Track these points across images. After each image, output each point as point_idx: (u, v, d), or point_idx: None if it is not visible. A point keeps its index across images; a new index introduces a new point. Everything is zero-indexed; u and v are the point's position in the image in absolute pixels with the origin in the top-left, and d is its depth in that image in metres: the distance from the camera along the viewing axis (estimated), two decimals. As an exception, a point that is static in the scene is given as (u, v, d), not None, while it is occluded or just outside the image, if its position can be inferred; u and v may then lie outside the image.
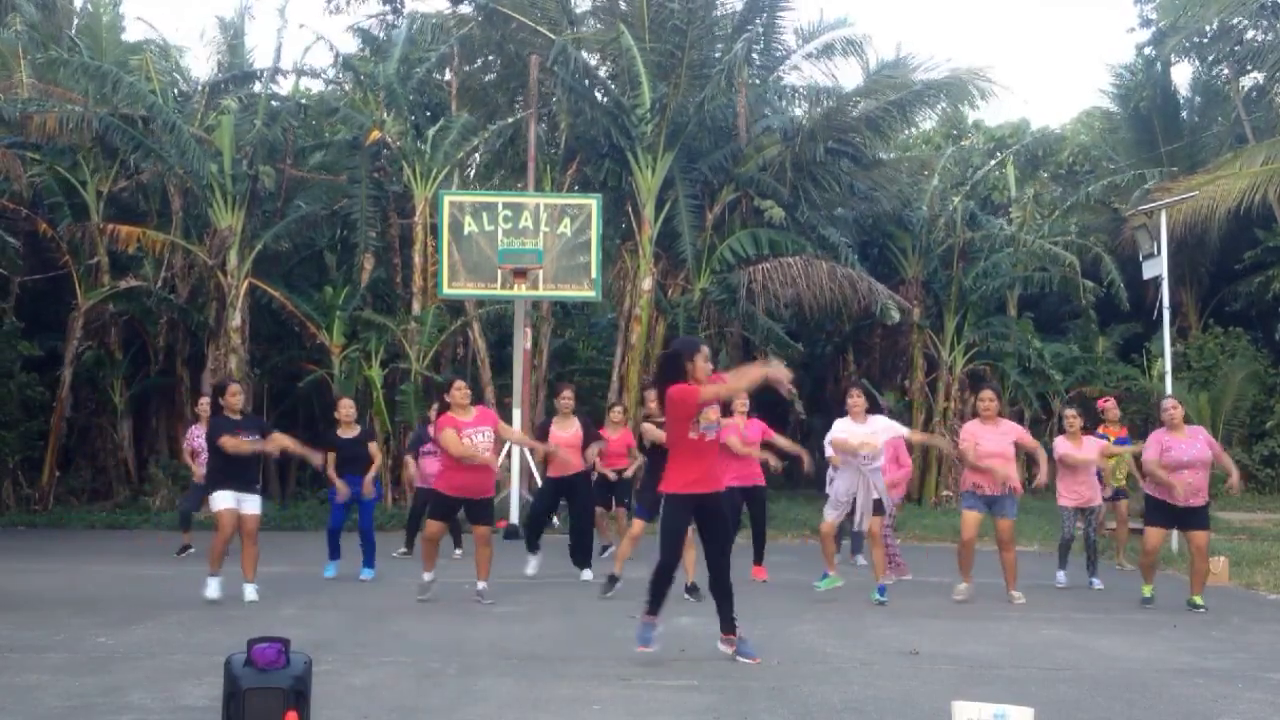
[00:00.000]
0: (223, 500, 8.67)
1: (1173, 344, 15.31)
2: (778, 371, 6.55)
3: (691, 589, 8.92)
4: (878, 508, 8.95)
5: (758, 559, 10.32)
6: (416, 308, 17.65)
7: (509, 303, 16.71)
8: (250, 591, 8.70)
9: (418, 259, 17.73)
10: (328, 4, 21.60)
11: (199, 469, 11.52)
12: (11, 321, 16.63)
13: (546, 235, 15.18)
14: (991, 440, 9.12)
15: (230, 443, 8.56)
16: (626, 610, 8.45)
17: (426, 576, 8.88)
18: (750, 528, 10.44)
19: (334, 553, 10.31)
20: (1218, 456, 8.92)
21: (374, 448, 10.37)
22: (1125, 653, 7.12)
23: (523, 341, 15.45)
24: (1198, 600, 9.00)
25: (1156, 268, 13.60)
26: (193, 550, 11.90)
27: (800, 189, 18.63)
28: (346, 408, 10.35)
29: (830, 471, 9.36)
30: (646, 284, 17.44)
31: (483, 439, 8.65)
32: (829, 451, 9.17)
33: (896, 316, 18.04)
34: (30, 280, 16.91)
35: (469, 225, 15.12)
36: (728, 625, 6.63)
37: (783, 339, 17.87)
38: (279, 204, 18.32)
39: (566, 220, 15.30)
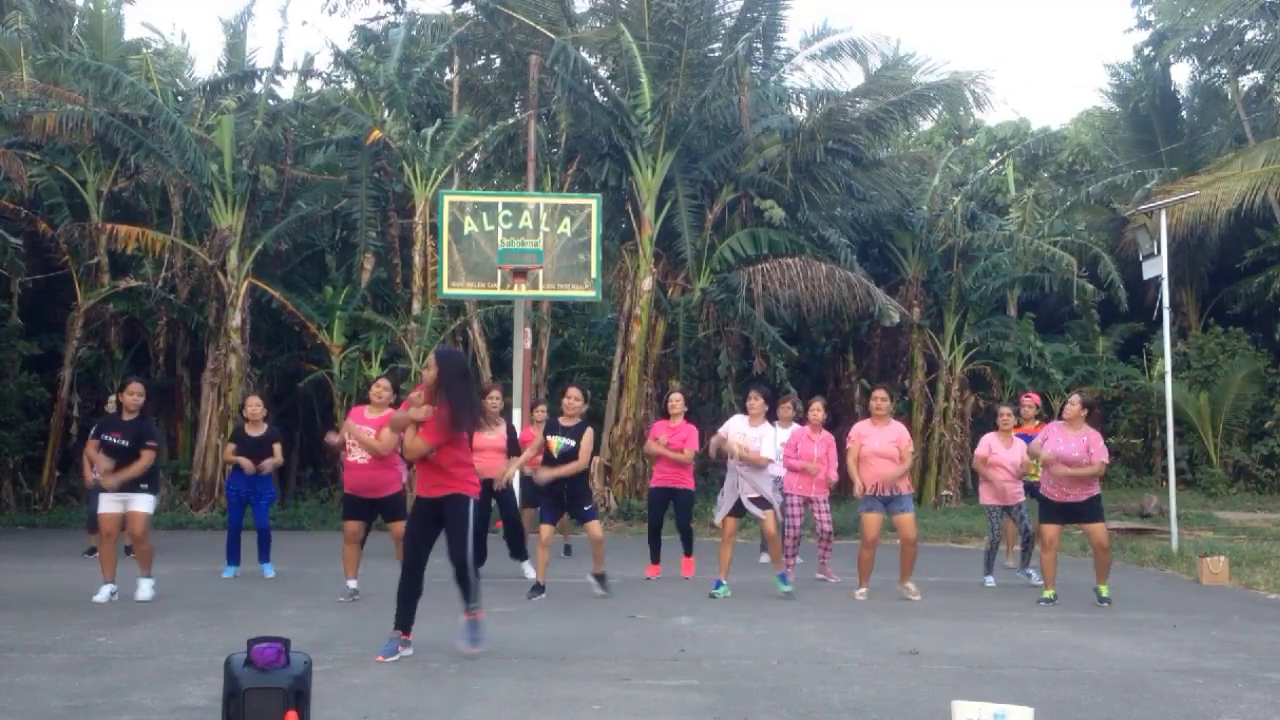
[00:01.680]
0: (105, 503, 8.63)
1: (1173, 344, 15.32)
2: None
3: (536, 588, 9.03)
4: (767, 505, 9.19)
5: (686, 551, 10.56)
6: (416, 308, 17.65)
7: (509, 302, 16.71)
8: (145, 588, 8.68)
9: (418, 259, 17.74)
10: (326, 3, 21.58)
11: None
12: (13, 321, 16.63)
13: (546, 235, 15.18)
14: (877, 440, 9.28)
15: (89, 452, 8.59)
16: (627, 611, 8.46)
17: (351, 584, 8.87)
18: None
19: (232, 556, 10.28)
20: (1090, 460, 8.86)
21: (278, 448, 10.34)
22: (1125, 653, 7.12)
23: (523, 341, 15.46)
24: (1103, 591, 9.09)
25: (1156, 268, 13.61)
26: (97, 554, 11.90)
27: (800, 189, 18.64)
28: (253, 405, 10.36)
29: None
30: (646, 284, 17.44)
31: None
32: (712, 449, 9.46)
33: (896, 318, 18.04)
34: (30, 280, 16.90)
35: (469, 225, 15.13)
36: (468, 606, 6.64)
37: (779, 342, 17.86)
38: (279, 204, 18.32)
39: (566, 220, 15.30)
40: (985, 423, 20.33)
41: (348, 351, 17.53)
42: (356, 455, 8.67)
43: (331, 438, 9.17)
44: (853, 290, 17.29)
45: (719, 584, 9.28)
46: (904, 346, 20.14)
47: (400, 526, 8.80)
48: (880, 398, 9.50)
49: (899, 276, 20.02)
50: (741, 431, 9.20)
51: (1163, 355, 14.60)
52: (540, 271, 14.94)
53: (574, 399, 9.07)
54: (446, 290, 15.43)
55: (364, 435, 8.45)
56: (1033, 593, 9.68)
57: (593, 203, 15.51)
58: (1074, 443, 8.89)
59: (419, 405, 6.46)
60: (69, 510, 16.77)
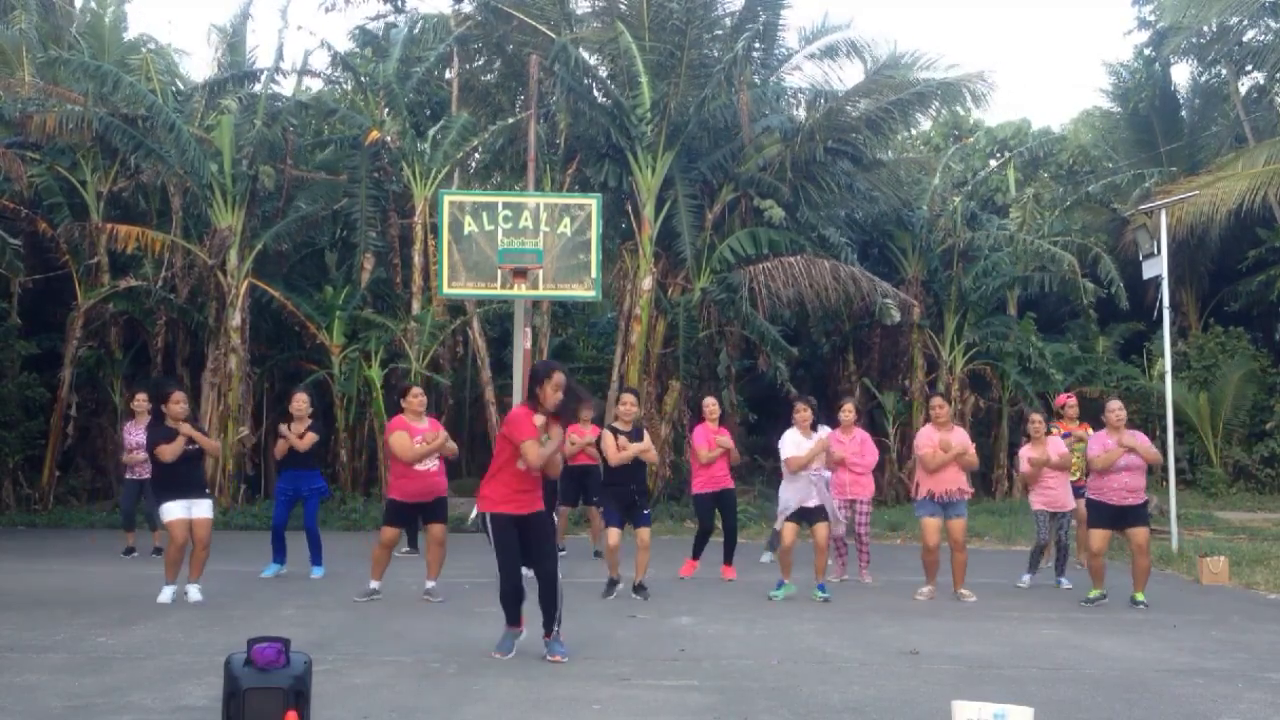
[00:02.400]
0: (173, 510, 8.67)
1: (1173, 344, 15.31)
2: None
3: (638, 588, 9.14)
4: (822, 514, 9.18)
5: (727, 558, 10.60)
6: (416, 308, 17.65)
7: (509, 302, 16.70)
8: (194, 592, 8.75)
9: (418, 259, 17.74)
10: (323, 1, 21.54)
11: (135, 459, 11.59)
12: (13, 321, 16.63)
13: (546, 235, 15.17)
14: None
15: (168, 450, 8.59)
16: (627, 611, 8.46)
17: (373, 584, 8.93)
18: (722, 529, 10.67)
19: (278, 554, 10.33)
20: (1143, 456, 9.04)
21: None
22: (1125, 653, 7.12)
23: (523, 341, 15.45)
24: (1139, 597, 9.14)
25: (1156, 267, 13.61)
26: (136, 553, 11.90)
27: (800, 189, 18.62)
28: (300, 402, 10.35)
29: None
30: (646, 284, 17.43)
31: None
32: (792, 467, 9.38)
33: (897, 316, 18.03)
34: (30, 280, 16.90)
35: (469, 225, 15.12)
36: (549, 627, 6.62)
37: (779, 342, 17.86)
38: (279, 204, 18.30)
39: (566, 220, 15.29)
40: (986, 423, 20.42)
41: (348, 351, 17.52)
42: (429, 464, 8.80)
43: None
44: (858, 285, 17.26)
45: (781, 584, 9.33)
46: (904, 346, 20.13)
47: (439, 529, 8.95)
48: (939, 404, 9.73)
49: (899, 276, 20.01)
50: (797, 444, 9.23)
51: (1163, 355, 14.60)
52: (540, 271, 14.93)
53: (630, 404, 9.39)
54: (446, 290, 15.42)
55: (449, 445, 8.91)
56: (1032, 594, 9.68)
57: (593, 203, 15.50)
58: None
59: (545, 430, 6.59)
60: (69, 510, 16.77)
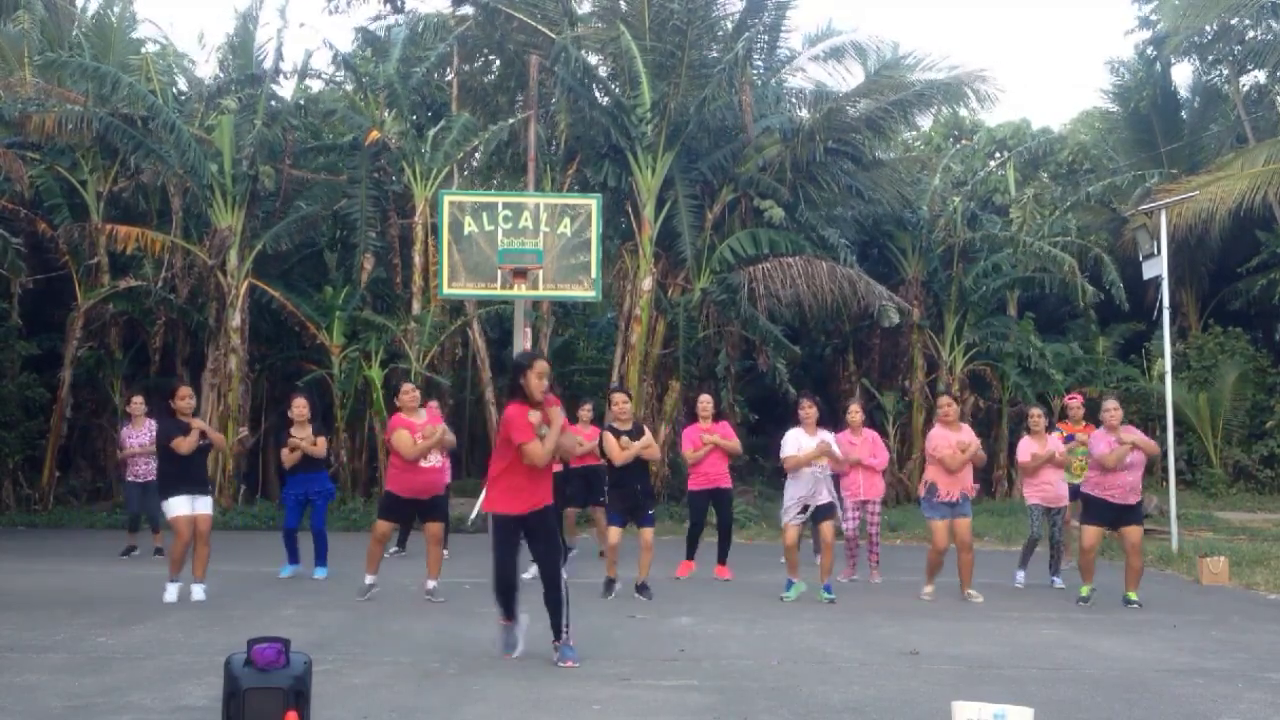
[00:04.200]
0: (178, 506, 8.72)
1: (1173, 344, 15.31)
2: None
3: (641, 588, 9.14)
4: (830, 512, 9.13)
5: (721, 558, 10.61)
6: (416, 308, 17.65)
7: (509, 302, 16.69)
8: (198, 591, 8.76)
9: (418, 259, 17.73)
10: (328, 3, 21.54)
11: (138, 452, 11.77)
12: (13, 321, 16.62)
13: (546, 235, 15.16)
14: (953, 447, 9.42)
15: (185, 443, 8.67)
16: (626, 611, 8.46)
17: (369, 579, 8.92)
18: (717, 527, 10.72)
19: (292, 555, 10.38)
20: (1144, 449, 9.05)
21: (321, 441, 10.32)
22: (1125, 653, 7.12)
23: (523, 341, 15.44)
24: (1132, 596, 9.13)
25: (1156, 268, 13.61)
26: (138, 551, 11.94)
27: (800, 189, 18.62)
28: (300, 406, 10.33)
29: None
30: (646, 284, 17.43)
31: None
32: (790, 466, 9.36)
33: (896, 319, 18.03)
34: (30, 280, 16.89)
35: (469, 225, 15.11)
36: (557, 631, 6.54)
37: (781, 341, 17.87)
38: (279, 204, 18.30)
39: (566, 220, 15.28)
40: (986, 423, 20.40)
41: (347, 351, 17.52)
42: (432, 460, 8.78)
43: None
44: (854, 288, 17.27)
45: (790, 584, 9.31)
46: (904, 346, 20.13)
47: (437, 527, 8.95)
48: (947, 403, 9.71)
49: (899, 276, 20.01)
50: (798, 443, 9.17)
51: (1163, 355, 14.60)
52: (540, 271, 14.93)
53: (622, 403, 9.39)
54: (446, 290, 15.42)
55: (447, 437, 8.89)
56: (1032, 594, 9.69)
57: (593, 203, 15.50)
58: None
59: (540, 424, 6.52)
60: (69, 510, 16.77)
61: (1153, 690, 6.03)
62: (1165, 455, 13.52)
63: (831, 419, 10.79)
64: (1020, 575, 10.46)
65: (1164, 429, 13.82)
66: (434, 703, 5.53)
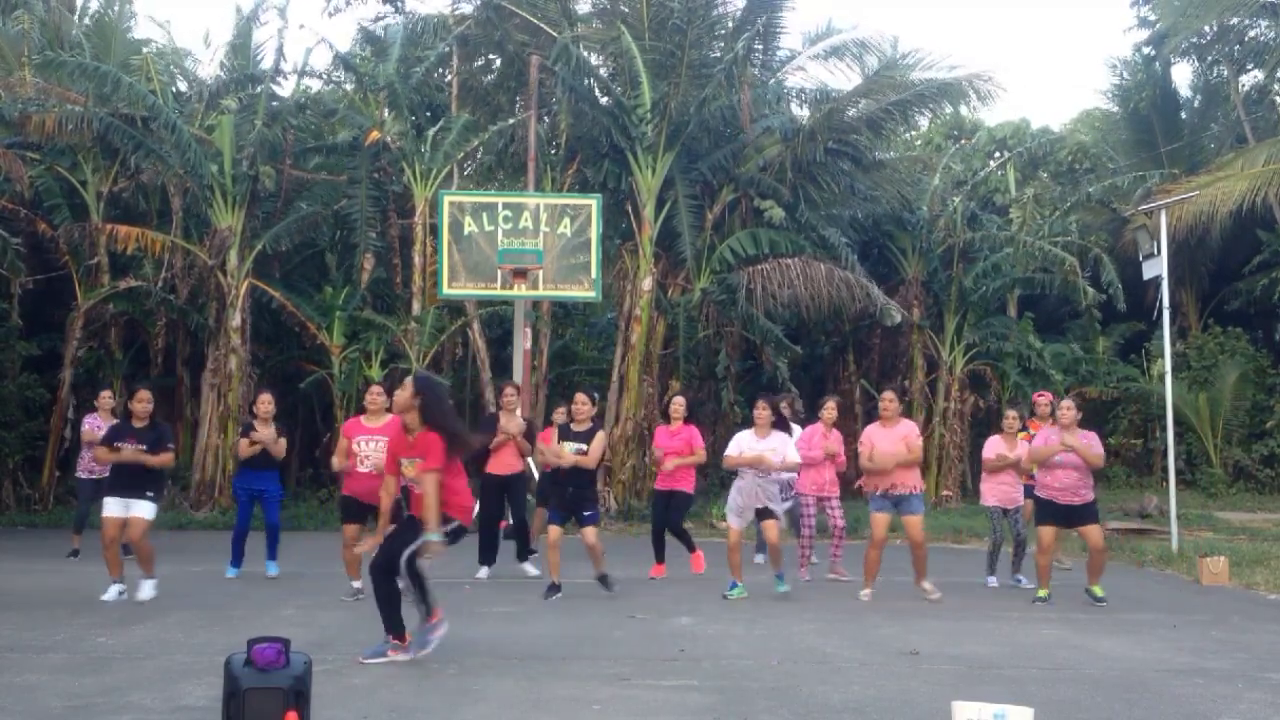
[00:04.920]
0: (109, 507, 8.72)
1: (1172, 344, 15.31)
2: None
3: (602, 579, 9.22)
4: (769, 514, 9.13)
5: (689, 548, 10.57)
6: (416, 308, 17.64)
7: (509, 303, 16.70)
8: (146, 588, 8.72)
9: (418, 259, 17.73)
10: (327, 4, 21.53)
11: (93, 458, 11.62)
12: (13, 322, 16.62)
13: (546, 235, 15.18)
14: (887, 441, 9.42)
15: (103, 454, 8.76)
16: (627, 611, 8.46)
17: (355, 584, 8.93)
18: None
19: (236, 557, 10.33)
20: (1083, 456, 8.95)
21: (282, 442, 10.34)
22: (1125, 653, 7.12)
23: (523, 342, 15.45)
24: (1097, 591, 9.13)
25: (1156, 268, 13.61)
26: (80, 556, 11.76)
27: (800, 189, 18.62)
28: (264, 403, 10.36)
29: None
30: (646, 284, 17.43)
31: (374, 448, 8.71)
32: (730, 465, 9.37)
33: (897, 318, 18.03)
34: (30, 280, 16.89)
35: (469, 225, 15.12)
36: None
37: (782, 340, 17.87)
38: (279, 204, 18.30)
39: (566, 220, 15.30)
40: (985, 423, 20.39)
41: (347, 352, 17.51)
42: (367, 467, 8.77)
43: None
44: (852, 291, 17.29)
45: (734, 585, 9.29)
46: (904, 347, 20.13)
47: None
48: (888, 399, 9.73)
49: (899, 276, 20.01)
50: (749, 447, 9.14)
51: (1162, 355, 14.60)
52: (540, 271, 14.94)
53: (582, 404, 9.25)
54: (446, 290, 15.42)
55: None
56: (1032, 594, 9.68)
57: (593, 203, 15.50)
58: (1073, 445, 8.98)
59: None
60: (69, 510, 16.68)
61: (1153, 690, 6.03)
62: (1165, 455, 13.53)
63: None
64: (992, 580, 10.43)
65: (1164, 429, 13.83)
66: (434, 703, 5.53)
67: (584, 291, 15.63)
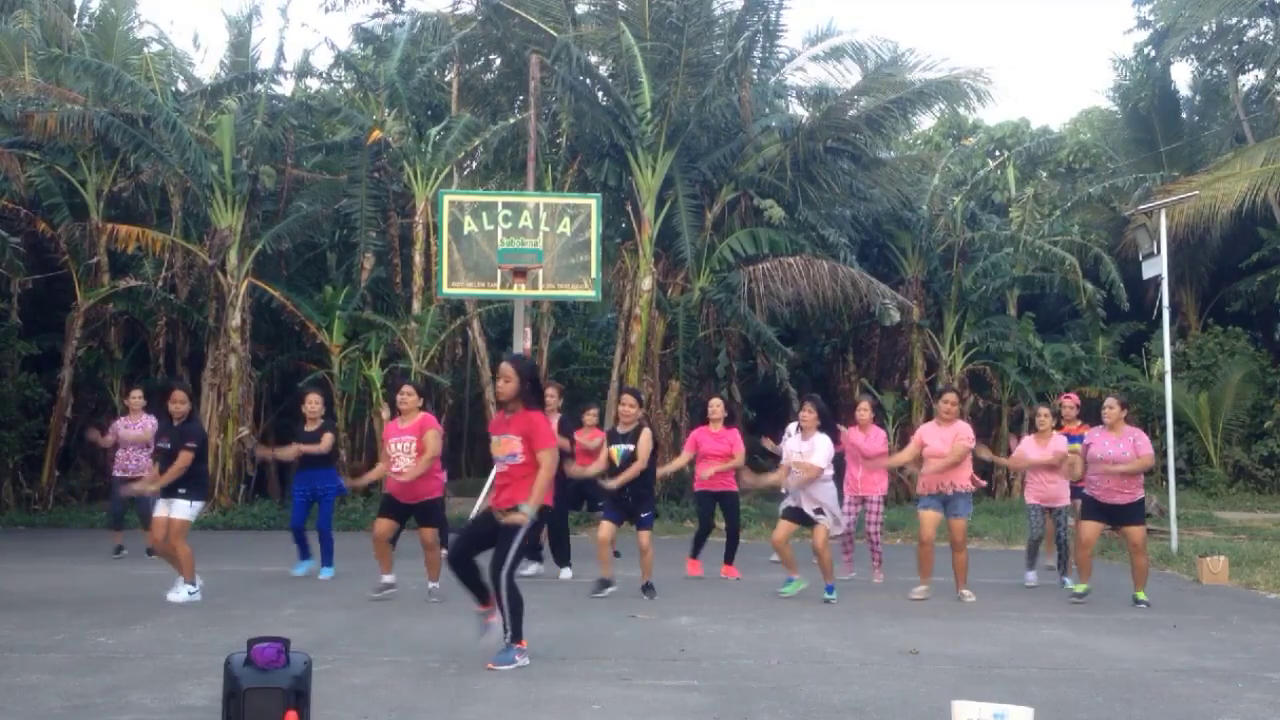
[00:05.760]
0: (157, 508, 8.77)
1: (1172, 344, 15.31)
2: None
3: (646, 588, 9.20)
4: (813, 523, 9.09)
5: (728, 558, 10.65)
6: (416, 308, 17.64)
7: (509, 302, 16.69)
8: (181, 591, 8.71)
9: (418, 259, 17.73)
10: (324, 1, 21.52)
11: (127, 455, 11.81)
12: (13, 321, 16.62)
13: (546, 235, 15.16)
14: (937, 441, 9.43)
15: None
16: (627, 611, 8.46)
17: (386, 578, 8.98)
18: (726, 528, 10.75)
19: (303, 552, 10.40)
20: (1136, 454, 8.96)
21: (327, 438, 10.33)
22: (1125, 653, 7.12)
23: (523, 341, 15.44)
24: (1140, 596, 9.14)
25: (1156, 267, 13.60)
26: (126, 551, 11.85)
27: (800, 188, 18.61)
28: (313, 403, 10.42)
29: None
30: (646, 284, 17.43)
31: (403, 448, 8.79)
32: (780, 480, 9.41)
33: (897, 317, 18.02)
34: (30, 280, 16.89)
35: (469, 225, 15.11)
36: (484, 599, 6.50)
37: (774, 343, 17.87)
38: (279, 204, 18.30)
39: (566, 220, 15.28)
40: (985, 423, 20.40)
41: (348, 351, 17.52)
42: (400, 467, 8.82)
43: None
44: (855, 287, 17.28)
45: (790, 580, 9.35)
46: (904, 346, 20.13)
47: (430, 533, 8.94)
48: (951, 401, 9.65)
49: (899, 276, 20.01)
50: (795, 449, 9.15)
51: (1162, 355, 14.59)
52: (540, 271, 14.92)
53: (629, 405, 9.30)
54: (446, 290, 15.41)
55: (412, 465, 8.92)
56: (1032, 594, 9.69)
57: (593, 202, 15.49)
58: (1121, 444, 8.99)
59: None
60: (69, 510, 16.77)
61: (1153, 690, 6.03)
62: (1165, 455, 13.53)
63: (834, 416, 10.82)
64: (1031, 575, 10.45)
65: (1164, 429, 13.82)
66: (434, 703, 5.53)
67: (584, 291, 15.61)
